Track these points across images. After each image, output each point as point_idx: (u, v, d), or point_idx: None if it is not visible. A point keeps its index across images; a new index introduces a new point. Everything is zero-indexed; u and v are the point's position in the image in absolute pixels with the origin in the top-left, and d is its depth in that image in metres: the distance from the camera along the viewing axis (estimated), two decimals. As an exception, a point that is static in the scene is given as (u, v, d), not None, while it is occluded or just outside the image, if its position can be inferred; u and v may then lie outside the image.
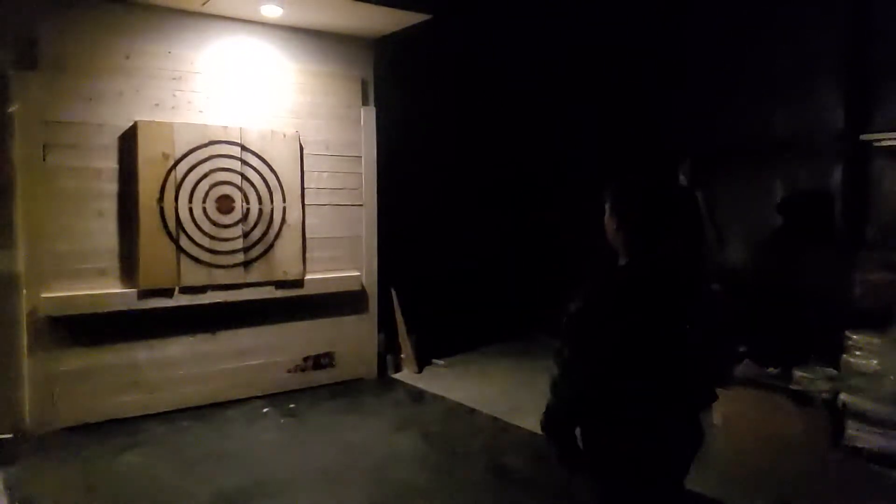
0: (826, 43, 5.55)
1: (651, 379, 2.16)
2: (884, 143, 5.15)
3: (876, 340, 4.48)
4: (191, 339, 5.49)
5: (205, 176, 5.39)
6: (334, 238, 6.18)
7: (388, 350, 6.70)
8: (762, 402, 4.86)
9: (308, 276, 5.96)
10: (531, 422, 5.12)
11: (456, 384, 6.27)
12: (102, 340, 5.09)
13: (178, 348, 5.42)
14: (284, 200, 5.78)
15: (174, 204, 5.25)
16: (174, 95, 5.33)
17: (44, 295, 4.81)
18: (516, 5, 7.45)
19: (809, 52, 5.67)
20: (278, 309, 5.86)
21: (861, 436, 4.42)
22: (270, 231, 5.72)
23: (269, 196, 5.70)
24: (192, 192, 5.33)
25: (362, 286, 6.36)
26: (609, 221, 2.33)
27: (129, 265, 5.14)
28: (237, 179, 5.55)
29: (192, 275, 5.34)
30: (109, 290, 5.06)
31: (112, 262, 5.11)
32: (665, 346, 2.19)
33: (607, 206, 2.34)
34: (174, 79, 5.33)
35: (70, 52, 4.91)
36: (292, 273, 5.84)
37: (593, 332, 2.13)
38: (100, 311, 4.99)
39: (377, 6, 5.40)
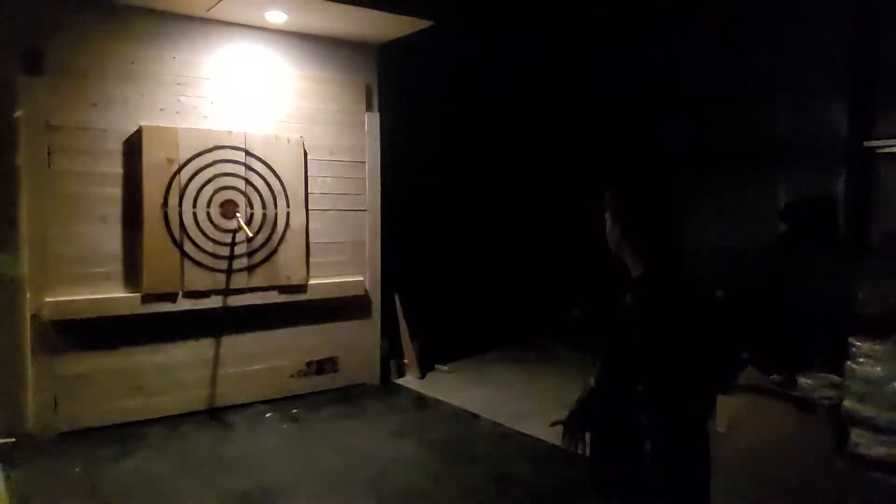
0: (831, 49, 5.55)
1: (667, 383, 2.12)
2: (887, 150, 5.14)
3: (880, 347, 4.46)
4: (194, 343, 5.50)
5: (209, 181, 5.41)
6: (338, 243, 6.20)
7: (392, 355, 6.71)
8: (766, 408, 4.84)
9: (311, 281, 5.97)
10: (534, 427, 5.13)
11: (459, 389, 6.26)
12: (106, 344, 5.10)
13: (181, 353, 5.43)
14: (288, 205, 5.79)
15: (178, 209, 5.27)
16: (179, 100, 5.35)
17: (47, 299, 4.82)
18: (518, 11, 7.47)
19: (814, 58, 5.67)
20: (282, 314, 5.87)
21: (864, 443, 4.40)
22: (274, 236, 5.73)
23: (272, 201, 5.72)
24: (196, 197, 5.35)
25: (365, 291, 6.36)
26: (612, 229, 2.25)
27: (132, 269, 5.15)
28: (241, 184, 5.56)
29: (196, 279, 5.35)
30: (113, 295, 5.07)
31: (116, 267, 5.12)
32: (682, 353, 2.15)
33: (608, 214, 2.26)
34: (179, 84, 5.35)
35: (76, 57, 4.94)
36: (295, 278, 5.85)
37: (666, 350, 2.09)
38: (103, 315, 5.00)
39: (381, 12, 5.43)
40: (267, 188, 5.69)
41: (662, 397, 2.10)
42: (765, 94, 6.00)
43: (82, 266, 4.98)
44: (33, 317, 4.81)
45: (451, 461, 4.64)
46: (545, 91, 7.85)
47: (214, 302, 5.46)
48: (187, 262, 5.31)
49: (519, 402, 5.86)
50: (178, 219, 5.27)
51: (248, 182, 5.60)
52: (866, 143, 5.26)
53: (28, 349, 4.84)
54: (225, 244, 5.48)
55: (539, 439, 4.95)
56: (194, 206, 5.34)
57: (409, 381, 6.59)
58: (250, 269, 5.61)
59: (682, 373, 2.10)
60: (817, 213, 5.65)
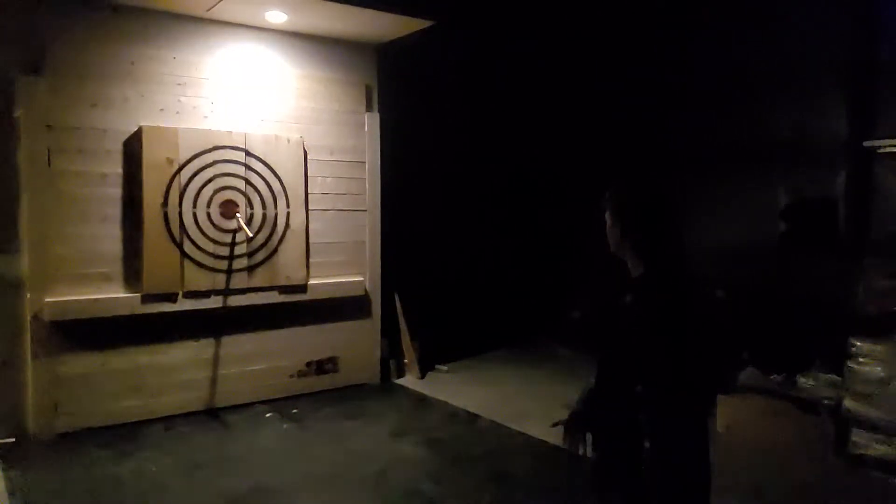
0: (831, 48, 5.55)
1: (666, 384, 2.12)
2: (887, 150, 5.14)
3: (880, 348, 4.45)
4: (194, 343, 5.50)
5: (209, 181, 5.41)
6: (338, 243, 6.20)
7: (392, 355, 6.70)
8: (766, 409, 4.83)
9: (311, 281, 5.97)
10: (534, 428, 5.13)
11: (459, 389, 6.26)
12: (106, 345, 5.10)
13: (181, 353, 5.43)
14: (288, 205, 5.79)
15: (178, 209, 5.27)
16: (179, 101, 5.35)
17: (47, 299, 4.82)
18: (518, 11, 7.47)
19: (814, 58, 5.67)
20: (281, 314, 5.87)
21: (865, 443, 4.39)
22: (274, 236, 5.73)
23: (272, 201, 5.71)
24: (196, 197, 5.35)
25: (365, 291, 6.36)
26: (612, 229, 2.27)
27: (132, 270, 5.15)
28: (241, 184, 5.56)
29: (196, 279, 5.35)
30: (113, 295, 5.07)
31: (116, 267, 5.12)
32: (682, 353, 2.15)
33: (608, 214, 2.27)
34: (179, 84, 5.35)
35: (76, 57, 4.94)
36: (295, 278, 5.85)
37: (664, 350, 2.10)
38: (103, 315, 5.00)
39: (381, 12, 5.43)
40: (267, 188, 5.69)
41: (662, 397, 2.10)
42: (765, 94, 5.99)
43: (82, 266, 4.98)
44: (33, 317, 4.81)
45: (451, 461, 4.64)
46: (545, 91, 7.84)
47: (214, 302, 5.46)
48: (187, 262, 5.31)
49: (519, 402, 5.86)
50: (178, 219, 5.26)
51: (248, 182, 5.60)
52: (866, 143, 5.25)
53: (28, 349, 4.84)
54: (225, 244, 5.48)
55: (539, 439, 4.95)
56: (194, 206, 5.34)
57: (409, 381, 6.59)
58: (250, 269, 5.61)
59: (681, 373, 2.11)
60: (817, 213, 5.65)
